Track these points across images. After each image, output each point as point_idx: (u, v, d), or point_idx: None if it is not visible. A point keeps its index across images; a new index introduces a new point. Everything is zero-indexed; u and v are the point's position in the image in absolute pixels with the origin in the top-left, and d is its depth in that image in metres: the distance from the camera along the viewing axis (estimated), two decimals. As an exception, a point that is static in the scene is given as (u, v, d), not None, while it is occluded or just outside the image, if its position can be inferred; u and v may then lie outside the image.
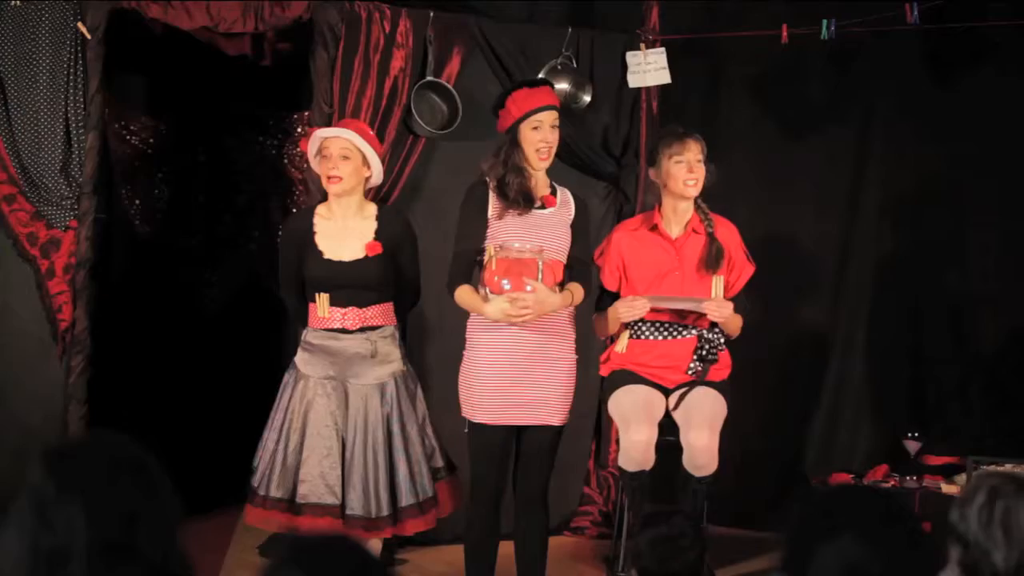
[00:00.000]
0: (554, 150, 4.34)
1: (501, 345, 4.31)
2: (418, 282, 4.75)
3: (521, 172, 4.31)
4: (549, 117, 4.30)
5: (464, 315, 4.45)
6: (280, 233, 4.75)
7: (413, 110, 5.34)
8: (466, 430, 4.39)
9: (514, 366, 4.30)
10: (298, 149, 6.44)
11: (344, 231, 4.57)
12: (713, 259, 4.67)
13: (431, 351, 5.48)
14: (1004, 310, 5.91)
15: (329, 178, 4.52)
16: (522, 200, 4.30)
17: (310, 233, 4.57)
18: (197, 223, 6.61)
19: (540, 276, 4.23)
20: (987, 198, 5.90)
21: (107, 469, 1.87)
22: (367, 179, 4.61)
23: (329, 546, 1.84)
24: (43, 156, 5.04)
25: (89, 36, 5.01)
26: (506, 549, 4.45)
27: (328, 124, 5.22)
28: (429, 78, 5.41)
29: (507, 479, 4.42)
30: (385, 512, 4.47)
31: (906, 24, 5.27)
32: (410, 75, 5.37)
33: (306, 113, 6.08)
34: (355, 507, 4.45)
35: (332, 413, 4.48)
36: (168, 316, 6.39)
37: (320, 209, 4.63)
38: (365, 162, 4.56)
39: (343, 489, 4.46)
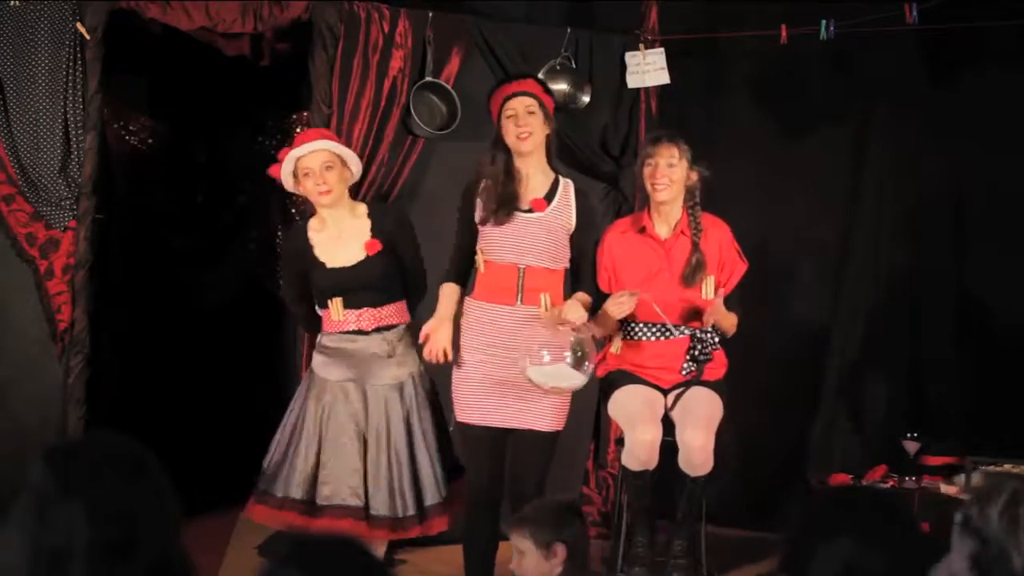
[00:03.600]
0: (537, 134, 4.31)
1: (489, 347, 4.33)
2: (422, 271, 4.74)
3: (508, 174, 4.30)
4: (521, 103, 4.30)
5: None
6: (280, 253, 4.74)
7: (412, 111, 5.34)
8: (451, 428, 4.43)
9: (501, 368, 4.31)
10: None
11: (340, 238, 4.56)
12: (691, 271, 4.67)
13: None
14: (1004, 310, 5.90)
15: (320, 193, 4.50)
16: (501, 209, 4.30)
17: (307, 249, 4.58)
18: (196, 223, 6.62)
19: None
20: (987, 198, 5.90)
21: (107, 469, 1.87)
22: (348, 179, 4.61)
23: (330, 546, 1.84)
24: (42, 156, 5.04)
25: (88, 36, 5.01)
26: (504, 549, 4.45)
27: (327, 125, 5.23)
28: (428, 79, 5.41)
29: (501, 479, 4.42)
30: (411, 511, 4.46)
31: (905, 24, 5.27)
32: (409, 75, 5.37)
33: (305, 113, 6.09)
34: (380, 508, 4.43)
35: (353, 415, 4.48)
36: (167, 316, 6.40)
37: (313, 223, 4.62)
38: (345, 164, 4.56)
39: (366, 491, 4.46)
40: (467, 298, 4.48)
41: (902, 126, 5.97)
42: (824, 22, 5.38)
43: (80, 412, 5.09)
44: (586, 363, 4.21)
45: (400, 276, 4.62)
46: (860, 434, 6.00)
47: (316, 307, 4.67)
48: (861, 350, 6.04)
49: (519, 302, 4.34)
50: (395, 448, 4.47)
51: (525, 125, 4.29)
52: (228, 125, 6.56)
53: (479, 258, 4.43)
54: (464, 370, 4.39)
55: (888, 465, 5.55)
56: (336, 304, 4.53)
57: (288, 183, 4.58)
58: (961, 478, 5.23)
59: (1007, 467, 5.13)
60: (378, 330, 4.54)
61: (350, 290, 4.52)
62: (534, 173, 4.37)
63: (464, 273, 4.46)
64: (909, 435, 5.43)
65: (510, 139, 4.31)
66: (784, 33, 5.46)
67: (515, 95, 4.31)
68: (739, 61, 6.00)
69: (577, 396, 4.50)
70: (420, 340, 4.40)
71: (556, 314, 4.25)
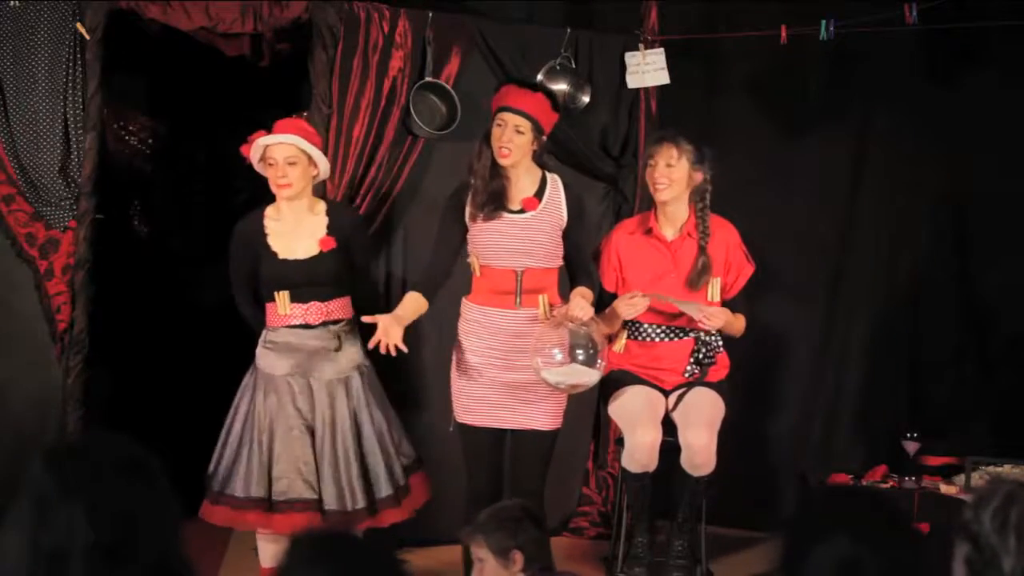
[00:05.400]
0: (516, 153, 4.29)
1: (489, 348, 4.34)
2: (369, 269, 4.83)
3: (494, 170, 4.31)
4: (512, 119, 4.28)
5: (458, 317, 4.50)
6: (231, 239, 4.71)
7: (412, 111, 5.34)
8: (451, 429, 4.43)
9: (501, 370, 4.32)
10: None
11: (296, 230, 4.60)
12: (697, 275, 4.67)
13: (426, 352, 5.47)
14: (1004, 310, 5.90)
15: (279, 185, 4.53)
16: (489, 204, 4.30)
17: (261, 235, 4.61)
18: (196, 223, 6.62)
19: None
20: (987, 198, 5.90)
21: (107, 469, 1.88)
22: (314, 176, 4.63)
23: (354, 545, 1.85)
24: (42, 157, 5.04)
25: (88, 37, 5.01)
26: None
27: (327, 125, 5.23)
28: (428, 79, 5.41)
29: (501, 479, 4.43)
30: (361, 504, 4.49)
31: (905, 24, 5.27)
32: (409, 76, 5.37)
33: (305, 113, 6.09)
34: (331, 502, 4.48)
35: (300, 409, 4.51)
36: (167, 316, 6.40)
37: (269, 211, 4.66)
38: (311, 162, 4.57)
39: (318, 484, 4.47)
40: (464, 300, 4.49)
41: (902, 126, 5.97)
42: (824, 22, 5.37)
43: (79, 412, 5.09)
44: (598, 359, 4.21)
45: (349, 274, 4.63)
46: (860, 434, 6.00)
47: (260, 300, 4.67)
48: (861, 350, 6.04)
49: (518, 305, 4.35)
50: (342, 441, 4.50)
51: (508, 142, 4.28)
52: (228, 125, 6.55)
53: (474, 262, 4.44)
54: (463, 371, 4.40)
55: (888, 465, 5.55)
56: (283, 297, 4.56)
57: (256, 165, 4.62)
58: (961, 478, 5.23)
59: (1007, 468, 5.12)
60: (324, 324, 4.57)
61: (299, 284, 4.55)
62: (521, 175, 4.38)
63: (434, 285, 4.41)
64: (909, 435, 5.42)
65: (494, 146, 4.31)
66: (784, 33, 5.46)
67: (509, 110, 4.30)
68: (739, 61, 5.99)
69: (577, 395, 4.50)
70: (367, 319, 4.29)
71: (563, 313, 4.25)
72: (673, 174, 4.64)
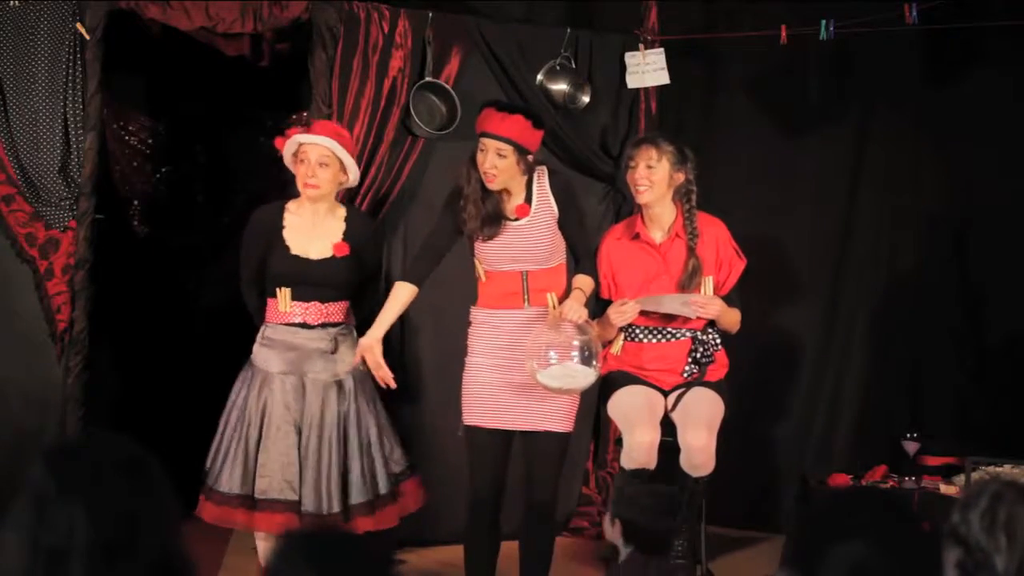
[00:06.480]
0: (502, 177, 4.26)
1: (500, 349, 4.34)
2: (379, 275, 4.84)
3: (484, 192, 4.29)
4: (494, 144, 4.23)
5: (461, 317, 4.49)
6: (247, 225, 4.69)
7: (412, 111, 5.34)
8: (459, 433, 4.42)
9: (513, 371, 4.31)
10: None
11: (313, 229, 4.60)
12: (688, 277, 4.66)
13: (428, 353, 5.48)
14: (1004, 310, 5.90)
15: (307, 184, 4.53)
16: (485, 227, 4.30)
17: (278, 227, 4.60)
18: (196, 223, 6.62)
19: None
20: (986, 198, 5.90)
21: (107, 469, 1.87)
22: (342, 183, 4.63)
23: (342, 543, 1.84)
24: (42, 157, 5.03)
25: (88, 36, 5.01)
26: (509, 550, 4.45)
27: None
28: (428, 79, 5.41)
29: (503, 483, 4.42)
30: (336, 509, 4.48)
31: (905, 24, 5.27)
32: (409, 76, 5.37)
33: (305, 113, 6.10)
34: (307, 504, 4.47)
35: (289, 408, 4.50)
36: (167, 316, 6.39)
37: (290, 205, 4.65)
38: (342, 168, 4.57)
39: (299, 485, 4.47)
40: (473, 308, 4.48)
41: (902, 126, 5.97)
42: (824, 22, 5.38)
43: (79, 412, 5.09)
44: (593, 360, 4.21)
45: (355, 281, 4.64)
46: (860, 434, 6.00)
47: (264, 293, 4.67)
48: (861, 350, 6.03)
49: (527, 305, 4.35)
50: (328, 445, 4.49)
51: (491, 167, 4.24)
52: (228, 125, 6.56)
53: (479, 268, 4.44)
54: (474, 373, 4.39)
55: (888, 465, 5.55)
56: (284, 294, 4.56)
57: (287, 159, 4.62)
58: (961, 478, 5.23)
59: (1007, 468, 5.12)
60: (323, 325, 4.57)
61: (304, 282, 4.55)
62: (512, 188, 4.35)
63: (424, 273, 4.42)
64: (909, 435, 5.42)
65: (480, 171, 4.29)
66: (784, 33, 5.46)
67: (488, 135, 4.24)
68: (739, 61, 6.00)
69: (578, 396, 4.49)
70: (356, 360, 4.41)
71: (557, 315, 4.25)
72: (653, 176, 4.63)
